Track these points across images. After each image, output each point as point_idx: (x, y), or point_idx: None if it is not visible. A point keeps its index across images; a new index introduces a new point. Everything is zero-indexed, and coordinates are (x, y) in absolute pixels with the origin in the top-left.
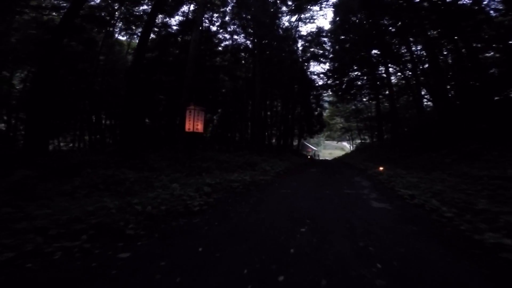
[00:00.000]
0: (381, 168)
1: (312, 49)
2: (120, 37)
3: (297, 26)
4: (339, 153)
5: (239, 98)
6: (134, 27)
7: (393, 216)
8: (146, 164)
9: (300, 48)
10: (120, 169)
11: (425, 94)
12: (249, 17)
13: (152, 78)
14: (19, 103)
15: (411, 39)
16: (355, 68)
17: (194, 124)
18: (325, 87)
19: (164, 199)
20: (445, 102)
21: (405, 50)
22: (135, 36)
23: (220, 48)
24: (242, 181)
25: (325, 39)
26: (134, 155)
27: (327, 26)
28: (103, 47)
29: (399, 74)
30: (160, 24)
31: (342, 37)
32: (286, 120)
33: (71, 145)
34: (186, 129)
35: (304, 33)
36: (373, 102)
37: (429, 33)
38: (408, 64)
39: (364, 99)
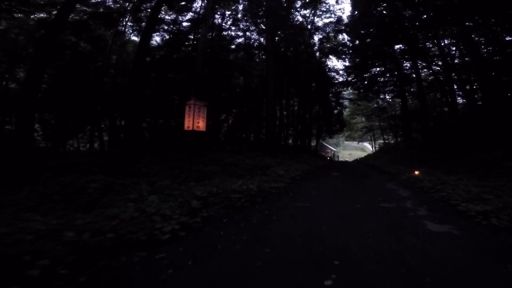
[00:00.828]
0: (417, 172)
1: (329, 44)
2: (134, 38)
3: (313, 21)
4: (359, 154)
5: (253, 97)
6: (144, 25)
7: (470, 248)
8: (135, 168)
9: (317, 43)
10: (96, 175)
11: (456, 90)
12: (261, 13)
13: (163, 77)
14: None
15: (440, 32)
16: (377, 63)
17: (194, 121)
18: (345, 84)
19: (124, 219)
20: (493, 95)
21: (431, 45)
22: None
23: (233, 46)
24: (247, 191)
25: (344, 35)
26: (136, 157)
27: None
28: (114, 46)
29: (425, 70)
30: (170, 21)
31: (362, 31)
32: (303, 119)
33: (87, 145)
34: (185, 128)
35: (320, 24)
36: (398, 100)
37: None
38: (436, 59)
39: (388, 97)
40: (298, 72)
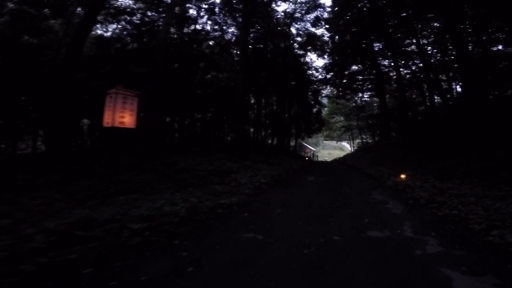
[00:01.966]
0: (403, 176)
1: (307, 36)
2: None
3: (292, 15)
4: (338, 153)
5: (231, 95)
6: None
7: None
8: (45, 179)
9: (295, 33)
10: None
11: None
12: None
13: (122, 72)
14: None
15: (419, 25)
16: (357, 61)
17: (116, 115)
18: (324, 81)
19: None
20: (479, 91)
21: (410, 42)
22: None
23: (211, 43)
24: (170, 214)
25: (323, 30)
26: (61, 159)
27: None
28: (69, 39)
29: (402, 69)
30: (129, 10)
31: (342, 28)
32: (281, 118)
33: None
34: (104, 123)
35: (298, 15)
36: (375, 99)
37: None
38: (415, 57)
39: (366, 96)
40: (276, 68)
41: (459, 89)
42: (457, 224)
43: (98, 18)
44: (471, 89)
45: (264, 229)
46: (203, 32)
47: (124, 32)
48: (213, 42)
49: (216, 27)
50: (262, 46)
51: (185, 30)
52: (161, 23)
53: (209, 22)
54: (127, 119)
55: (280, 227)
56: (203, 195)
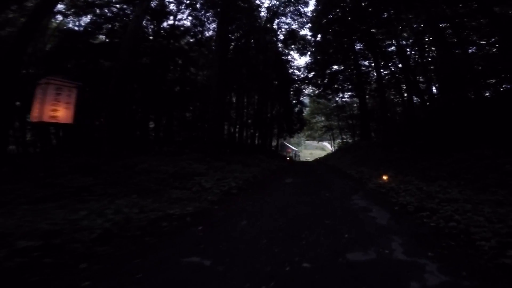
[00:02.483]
0: (385, 177)
1: (289, 33)
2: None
3: (276, 12)
4: (320, 153)
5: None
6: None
7: None
8: None
9: (276, 27)
10: None
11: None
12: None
13: (90, 65)
14: None
15: (399, 27)
16: (338, 61)
17: (47, 108)
18: (305, 80)
19: None
20: (461, 89)
21: (389, 43)
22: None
23: (192, 40)
24: (88, 229)
25: (306, 29)
26: None
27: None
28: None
29: (382, 70)
30: (100, 2)
31: (324, 27)
32: (262, 117)
33: None
34: (32, 118)
35: (281, 9)
36: (355, 100)
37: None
38: (395, 58)
39: (346, 96)
40: (257, 64)
41: (435, 91)
42: (457, 239)
43: (67, 11)
44: (451, 87)
45: (217, 250)
46: (183, 28)
47: (93, 26)
48: (193, 38)
49: (196, 22)
50: (243, 41)
51: (165, 25)
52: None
53: (190, 18)
54: (61, 113)
55: (238, 247)
56: (151, 204)
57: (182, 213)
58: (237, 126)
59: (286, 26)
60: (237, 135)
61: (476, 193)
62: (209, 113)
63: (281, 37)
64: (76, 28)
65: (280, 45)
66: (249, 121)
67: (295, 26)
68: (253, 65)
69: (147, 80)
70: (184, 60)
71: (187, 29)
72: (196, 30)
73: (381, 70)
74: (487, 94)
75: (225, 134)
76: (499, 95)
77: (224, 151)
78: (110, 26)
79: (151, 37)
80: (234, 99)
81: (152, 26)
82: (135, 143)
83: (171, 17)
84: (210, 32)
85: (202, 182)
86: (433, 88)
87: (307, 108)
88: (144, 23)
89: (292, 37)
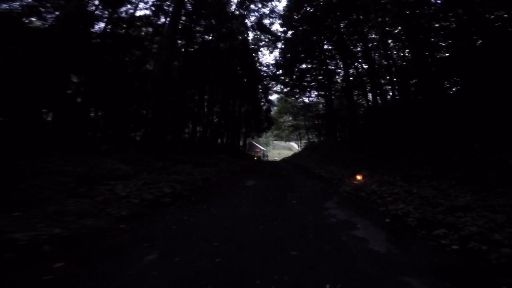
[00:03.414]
0: (360, 177)
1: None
2: None
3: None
4: (287, 153)
5: (173, 88)
6: None
7: None
8: None
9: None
10: None
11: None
12: None
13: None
14: None
15: (366, 29)
16: (307, 58)
17: None
18: (274, 77)
19: None
20: (436, 81)
21: (356, 44)
22: None
23: (150, 29)
24: None
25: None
26: None
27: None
28: None
29: (350, 70)
30: None
31: (295, 23)
32: (229, 115)
33: None
34: None
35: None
36: (322, 100)
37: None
38: (362, 60)
39: (313, 95)
40: (222, 56)
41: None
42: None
43: None
44: (426, 80)
45: None
46: (143, 17)
47: (25, 8)
48: (152, 28)
49: (156, 9)
50: (210, 36)
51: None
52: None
53: (150, 5)
54: None
55: None
56: (15, 221)
57: (43, 237)
58: (202, 125)
59: (256, 14)
60: (203, 134)
61: (482, 197)
62: (152, 105)
63: (248, 23)
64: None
65: (250, 36)
66: (215, 119)
67: (267, 22)
68: (218, 55)
69: (96, 72)
70: (144, 52)
71: (147, 18)
72: (154, 19)
73: (349, 71)
74: (456, 88)
75: (188, 132)
76: (474, 89)
77: (175, 149)
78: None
79: (105, 26)
80: (196, 97)
81: (107, 13)
82: (69, 140)
83: (129, 5)
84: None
85: (117, 189)
86: (395, 91)
87: (275, 107)
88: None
89: (261, 26)
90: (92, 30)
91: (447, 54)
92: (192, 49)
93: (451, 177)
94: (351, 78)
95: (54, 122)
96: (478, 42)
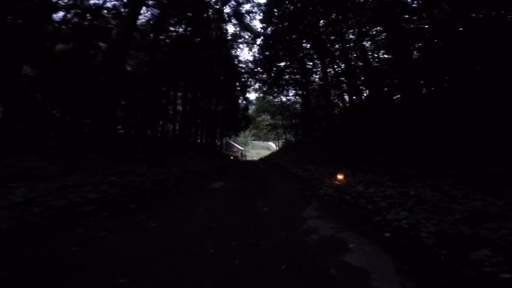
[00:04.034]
0: (341, 177)
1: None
2: None
3: None
4: (266, 152)
5: (142, 84)
6: None
7: None
8: None
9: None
10: None
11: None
12: None
13: None
14: None
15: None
16: (286, 57)
17: None
18: (252, 73)
19: None
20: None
21: (332, 43)
22: None
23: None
24: None
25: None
26: None
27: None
28: None
29: (327, 70)
30: None
31: (277, 18)
32: (196, 110)
33: None
34: None
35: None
36: (299, 99)
37: None
38: (338, 59)
39: (291, 94)
40: (195, 48)
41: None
42: None
43: None
44: (406, 76)
45: None
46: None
47: None
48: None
49: None
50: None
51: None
52: None
53: None
54: None
55: None
56: None
57: None
58: (174, 123)
59: (233, 3)
60: (172, 133)
61: (498, 198)
62: (103, 95)
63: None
64: None
65: (230, 30)
66: (193, 117)
67: (247, 17)
68: (192, 47)
69: (50, 64)
70: (109, 44)
71: (116, 8)
72: (124, 10)
73: (327, 70)
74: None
75: (161, 130)
76: (461, 81)
77: (134, 147)
78: None
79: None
80: (172, 93)
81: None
82: (22, 138)
83: None
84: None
85: (17, 193)
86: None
87: (253, 106)
88: None
89: (238, 15)
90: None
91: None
92: (162, 42)
93: (447, 175)
94: (329, 77)
95: (4, 118)
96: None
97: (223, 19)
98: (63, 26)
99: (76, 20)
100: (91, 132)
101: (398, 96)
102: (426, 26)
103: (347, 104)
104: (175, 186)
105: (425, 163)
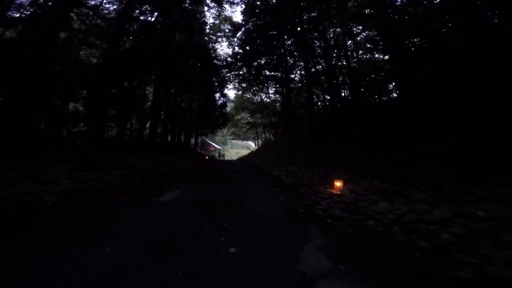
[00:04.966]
0: (339, 184)
1: None
2: None
3: None
4: (245, 152)
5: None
6: None
7: None
8: None
9: None
10: None
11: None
12: None
13: None
14: None
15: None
16: (266, 53)
17: None
18: (230, 66)
19: None
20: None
21: (313, 40)
22: None
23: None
24: None
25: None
26: None
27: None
28: None
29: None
30: None
31: (258, 12)
32: (166, 105)
33: None
34: None
35: None
36: (278, 98)
37: None
38: (319, 57)
39: (271, 92)
40: (163, 35)
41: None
42: None
43: None
44: (398, 65)
45: None
46: None
47: None
48: None
49: None
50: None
51: None
52: None
53: None
54: None
55: None
56: None
57: None
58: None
59: None
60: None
61: None
62: (18, 78)
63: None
64: None
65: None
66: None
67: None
68: (157, 33)
69: None
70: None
71: None
72: None
73: (310, 67)
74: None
75: (130, 128)
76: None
77: (71, 145)
78: None
79: None
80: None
81: None
82: None
83: None
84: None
85: None
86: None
87: (232, 104)
88: None
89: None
90: None
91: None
92: (128, 29)
93: (500, 180)
94: (312, 73)
95: None
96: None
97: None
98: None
99: None
100: None
101: (394, 87)
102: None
103: (327, 103)
104: (103, 198)
105: (455, 166)
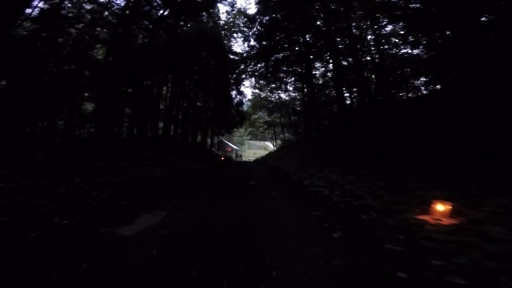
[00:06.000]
0: (440, 208)
1: None
2: None
3: None
4: (263, 152)
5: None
6: None
7: None
8: None
9: None
10: None
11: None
12: None
13: None
14: None
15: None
16: (285, 48)
17: None
18: (245, 61)
19: None
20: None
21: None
22: None
23: None
24: None
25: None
26: None
27: None
28: None
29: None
30: None
31: (272, 5)
32: (178, 102)
33: None
34: None
35: None
36: (298, 96)
37: None
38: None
39: (290, 88)
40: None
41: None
42: None
43: None
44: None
45: None
46: None
47: None
48: None
49: None
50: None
51: None
52: None
53: None
54: None
55: None
56: None
57: None
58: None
59: None
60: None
61: None
62: None
63: None
64: None
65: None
66: (186, 117)
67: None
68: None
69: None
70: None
71: None
72: None
73: (340, 58)
74: None
75: (150, 129)
76: None
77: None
78: None
79: None
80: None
81: None
82: None
83: None
84: None
85: None
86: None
87: (249, 103)
88: None
89: None
90: None
91: None
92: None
93: None
94: (339, 67)
95: None
96: None
97: None
98: None
99: None
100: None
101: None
102: None
103: (354, 99)
104: (31, 224)
105: None
